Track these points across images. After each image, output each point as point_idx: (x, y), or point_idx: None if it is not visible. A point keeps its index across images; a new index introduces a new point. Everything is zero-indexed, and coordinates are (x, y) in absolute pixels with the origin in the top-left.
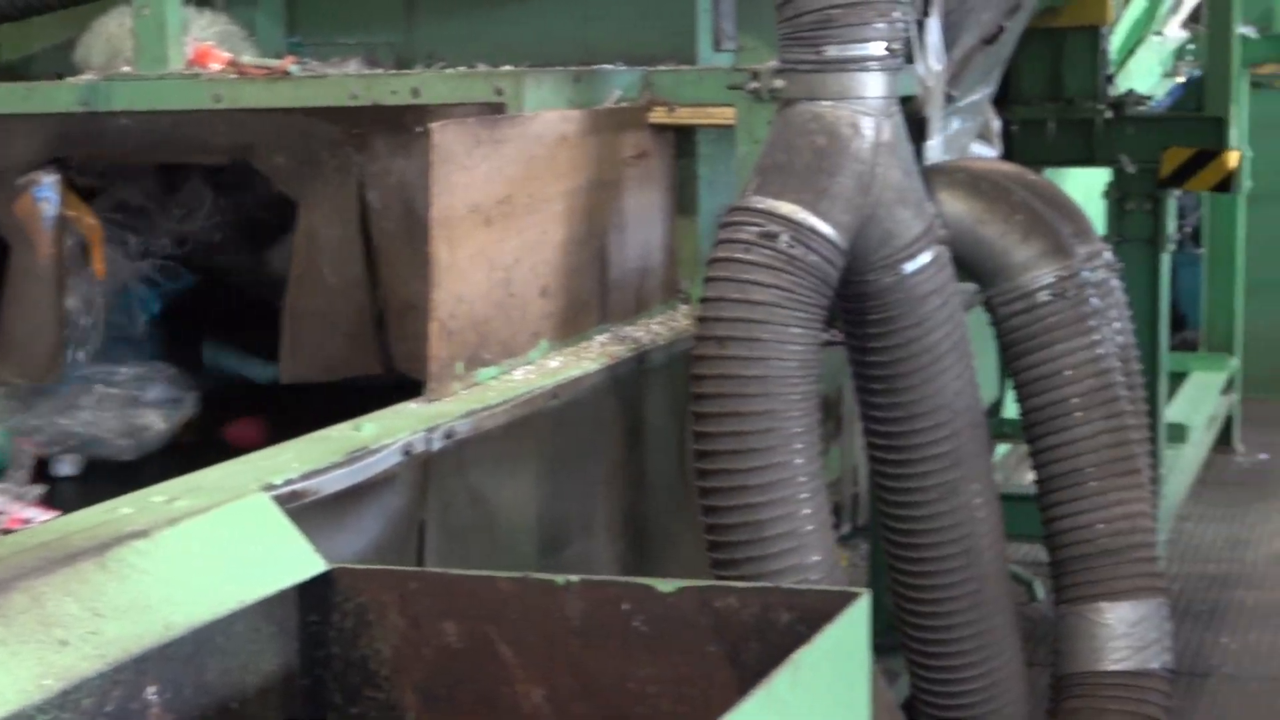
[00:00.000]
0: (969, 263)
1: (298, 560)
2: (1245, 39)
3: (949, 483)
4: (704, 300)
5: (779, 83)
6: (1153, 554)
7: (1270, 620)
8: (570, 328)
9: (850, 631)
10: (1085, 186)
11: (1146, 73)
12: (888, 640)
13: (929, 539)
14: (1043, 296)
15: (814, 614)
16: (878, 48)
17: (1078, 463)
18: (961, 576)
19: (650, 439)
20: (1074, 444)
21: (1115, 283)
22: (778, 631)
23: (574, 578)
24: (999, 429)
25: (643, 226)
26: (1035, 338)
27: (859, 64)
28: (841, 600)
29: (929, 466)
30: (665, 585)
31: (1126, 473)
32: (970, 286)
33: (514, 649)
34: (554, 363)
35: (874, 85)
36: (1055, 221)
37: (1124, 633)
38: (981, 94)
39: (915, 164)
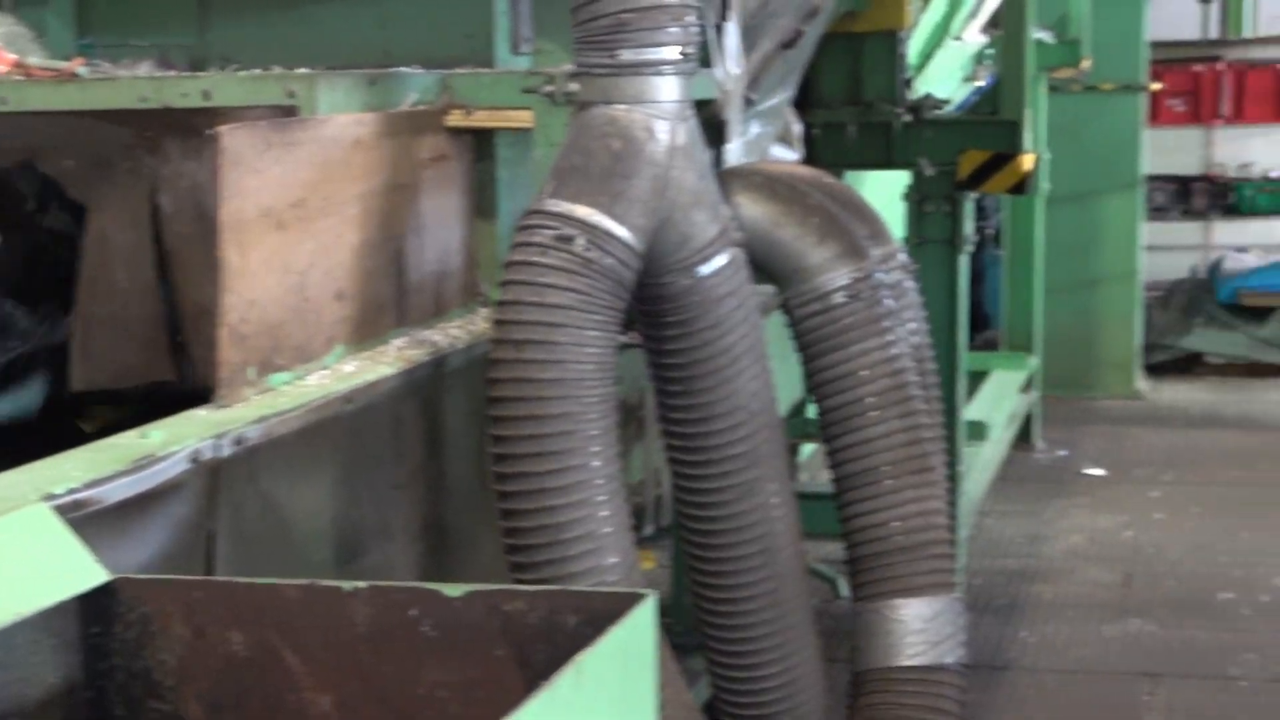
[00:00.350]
0: (766, 265)
1: (78, 571)
2: (1041, 43)
3: (746, 483)
4: (500, 303)
5: (574, 86)
6: (947, 551)
7: (1067, 614)
8: (366, 331)
9: (636, 633)
10: (886, 189)
11: (946, 77)
12: (689, 640)
13: (727, 539)
14: (838, 298)
15: (601, 616)
16: (672, 52)
17: (872, 461)
18: (759, 576)
19: (449, 443)
20: (869, 443)
21: (909, 284)
22: (565, 634)
23: (361, 584)
24: (803, 429)
25: (441, 230)
26: (831, 339)
27: (653, 68)
28: (628, 602)
29: (726, 467)
30: (453, 590)
31: (921, 470)
32: (769, 289)
33: (301, 657)
34: (349, 367)
35: (668, 89)
36: (850, 224)
37: (919, 629)
38: (781, 98)
39: (711, 167)
